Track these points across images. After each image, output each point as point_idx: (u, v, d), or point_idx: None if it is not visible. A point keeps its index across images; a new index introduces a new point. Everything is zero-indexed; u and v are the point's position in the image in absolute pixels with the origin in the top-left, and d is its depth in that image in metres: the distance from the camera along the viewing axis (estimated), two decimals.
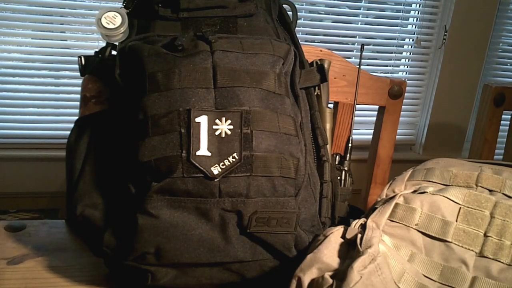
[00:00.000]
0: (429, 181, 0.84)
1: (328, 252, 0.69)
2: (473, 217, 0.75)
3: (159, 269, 0.75)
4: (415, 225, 0.75)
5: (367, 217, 0.76)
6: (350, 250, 0.69)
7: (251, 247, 0.75)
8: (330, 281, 0.64)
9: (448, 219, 0.74)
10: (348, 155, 1.03)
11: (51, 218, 2.34)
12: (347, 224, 0.75)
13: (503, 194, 0.78)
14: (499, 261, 0.70)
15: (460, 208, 0.76)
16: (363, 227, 0.72)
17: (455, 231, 0.73)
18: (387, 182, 1.36)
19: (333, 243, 0.71)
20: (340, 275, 0.64)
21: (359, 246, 0.69)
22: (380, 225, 0.74)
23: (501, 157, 1.52)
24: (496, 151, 1.49)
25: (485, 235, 0.73)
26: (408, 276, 0.67)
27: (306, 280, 0.67)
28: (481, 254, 0.71)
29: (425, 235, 0.74)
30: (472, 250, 0.72)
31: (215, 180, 0.71)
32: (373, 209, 0.80)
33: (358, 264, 0.64)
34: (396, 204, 0.78)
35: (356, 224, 0.73)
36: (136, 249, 0.73)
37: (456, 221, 0.74)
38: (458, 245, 0.72)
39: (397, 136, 1.37)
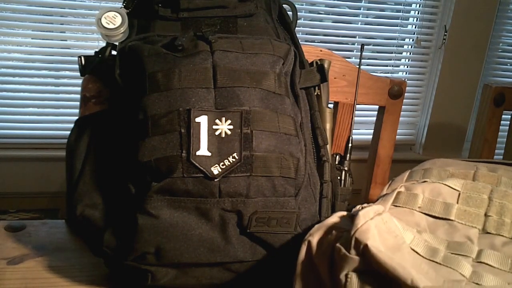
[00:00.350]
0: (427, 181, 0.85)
1: (334, 219, 0.71)
2: (472, 200, 0.76)
3: (159, 269, 0.75)
4: (418, 207, 0.76)
5: None
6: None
7: (251, 247, 0.76)
8: (339, 234, 0.65)
9: (449, 201, 0.76)
10: (348, 155, 1.03)
11: (51, 218, 2.34)
12: None
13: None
14: (502, 236, 0.72)
15: (459, 193, 0.77)
16: None
17: (457, 211, 0.75)
18: (387, 182, 1.36)
19: (338, 215, 0.72)
20: (347, 230, 0.65)
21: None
22: (384, 210, 0.75)
23: (501, 157, 1.52)
24: (496, 151, 1.49)
25: (486, 215, 0.74)
26: (419, 241, 0.67)
27: (314, 241, 0.67)
28: (484, 231, 0.73)
29: (428, 216, 0.75)
30: (475, 227, 0.73)
31: (215, 180, 0.71)
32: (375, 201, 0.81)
33: (364, 212, 0.65)
34: (399, 192, 0.79)
35: (359, 206, 0.74)
36: (136, 249, 0.73)
37: (457, 203, 0.76)
38: (462, 223, 0.73)
39: (397, 136, 1.37)
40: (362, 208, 0.73)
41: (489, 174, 0.82)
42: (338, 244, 0.64)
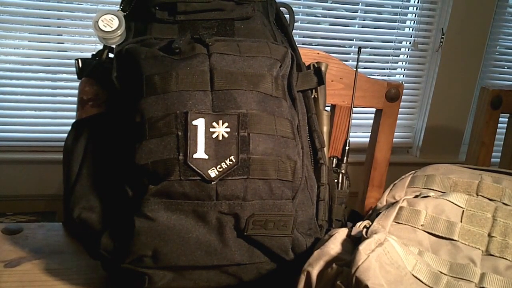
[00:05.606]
0: (430, 189, 0.85)
1: (335, 246, 0.70)
2: (476, 219, 0.76)
3: (156, 272, 0.75)
4: (421, 225, 0.75)
5: (371, 221, 0.76)
6: (356, 246, 0.69)
7: (248, 250, 0.75)
8: (339, 269, 0.65)
9: (452, 220, 0.75)
10: (345, 158, 1.03)
11: (48, 221, 2.33)
12: (344, 227, 0.75)
13: (503, 203, 0.79)
14: (505, 259, 0.71)
15: (463, 211, 0.77)
16: (368, 228, 0.73)
17: (461, 231, 0.74)
18: (384, 185, 1.36)
19: (339, 239, 0.72)
20: (348, 264, 0.64)
21: (364, 235, 0.69)
22: (386, 227, 0.75)
23: (498, 159, 1.52)
24: (493, 154, 1.49)
25: (489, 236, 0.74)
26: (421, 266, 0.67)
27: (314, 273, 0.67)
28: (487, 253, 0.73)
29: (431, 235, 0.75)
30: (479, 249, 0.73)
31: (212, 183, 0.71)
32: (377, 213, 0.80)
33: (364, 246, 0.64)
34: (401, 207, 0.78)
35: (360, 225, 0.74)
36: (133, 252, 0.73)
37: (461, 222, 0.75)
38: (465, 244, 0.73)
39: (394, 139, 1.37)
40: (364, 228, 0.73)
41: (493, 186, 0.82)
42: (339, 283, 0.64)
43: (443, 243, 0.74)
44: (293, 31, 0.94)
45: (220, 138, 0.73)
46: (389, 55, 2.87)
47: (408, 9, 2.84)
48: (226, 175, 0.72)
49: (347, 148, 1.05)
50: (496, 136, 1.47)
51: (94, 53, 0.88)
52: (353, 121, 1.13)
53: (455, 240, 0.74)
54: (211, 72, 0.75)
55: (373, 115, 1.38)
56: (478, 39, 2.86)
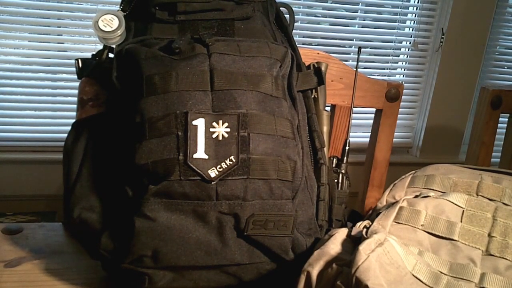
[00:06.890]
0: (430, 189, 0.85)
1: (335, 246, 0.70)
2: (476, 219, 0.76)
3: (156, 272, 0.75)
4: (421, 225, 0.75)
5: (371, 221, 0.76)
6: (356, 246, 0.69)
7: (248, 250, 0.75)
8: (339, 269, 0.65)
9: (452, 220, 0.75)
10: (345, 158, 1.03)
11: (48, 221, 2.33)
12: (344, 227, 0.75)
13: (503, 203, 0.79)
14: (505, 259, 0.71)
15: (463, 211, 0.77)
16: (368, 228, 0.73)
17: (461, 231, 0.74)
18: (384, 185, 1.36)
19: (339, 239, 0.72)
20: (348, 264, 0.64)
21: (364, 235, 0.69)
22: (386, 227, 0.75)
23: (498, 159, 1.52)
24: (493, 153, 1.49)
25: (490, 236, 0.74)
26: (421, 266, 0.67)
27: (314, 273, 0.67)
28: (487, 253, 0.73)
29: (431, 235, 0.75)
30: (479, 249, 0.73)
31: (212, 183, 0.71)
32: (377, 213, 0.80)
33: (364, 246, 0.64)
34: (401, 207, 0.78)
35: (360, 225, 0.74)
36: (133, 252, 0.73)
37: (461, 222, 0.75)
38: (465, 244, 0.73)
39: (394, 139, 1.37)
40: (364, 228, 0.73)
41: (493, 186, 0.82)
42: (339, 283, 0.64)
43: (443, 243, 0.74)
44: (293, 31, 0.94)
45: (220, 138, 0.73)
46: (389, 55, 2.87)
47: (408, 9, 2.84)
48: (226, 175, 0.72)
49: (347, 148, 1.05)
50: (496, 136, 1.47)
51: (94, 53, 0.88)
52: (353, 121, 1.13)
53: (455, 240, 0.74)
54: (211, 72, 0.75)
55: (373, 115, 1.38)
56: (478, 39, 2.86)
